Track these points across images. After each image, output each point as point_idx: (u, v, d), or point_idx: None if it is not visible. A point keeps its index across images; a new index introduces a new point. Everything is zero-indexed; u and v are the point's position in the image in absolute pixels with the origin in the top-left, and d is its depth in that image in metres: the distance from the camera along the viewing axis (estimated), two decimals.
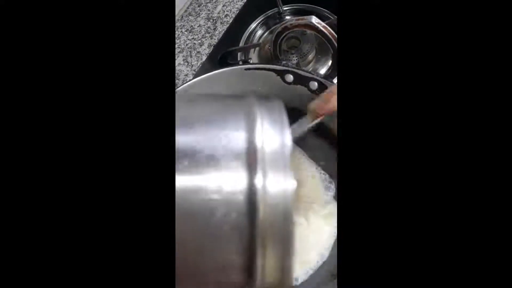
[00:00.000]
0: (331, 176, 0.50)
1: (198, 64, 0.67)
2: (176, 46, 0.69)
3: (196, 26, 0.72)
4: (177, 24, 0.72)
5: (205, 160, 0.26)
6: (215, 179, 0.25)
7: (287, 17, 0.68)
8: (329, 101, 0.39)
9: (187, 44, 0.70)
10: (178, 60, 0.68)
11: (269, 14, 0.69)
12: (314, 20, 0.53)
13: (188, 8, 0.74)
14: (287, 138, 0.27)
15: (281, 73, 0.48)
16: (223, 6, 0.73)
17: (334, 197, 0.49)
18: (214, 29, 0.71)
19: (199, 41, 0.70)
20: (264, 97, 0.31)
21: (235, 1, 0.73)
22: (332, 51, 0.55)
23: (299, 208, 0.48)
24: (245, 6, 0.72)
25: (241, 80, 0.48)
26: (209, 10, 0.73)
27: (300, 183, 0.49)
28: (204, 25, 0.72)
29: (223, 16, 0.72)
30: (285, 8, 0.69)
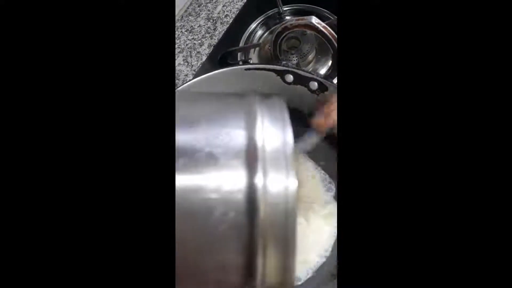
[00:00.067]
0: (331, 176, 0.50)
1: (198, 64, 0.67)
2: (176, 46, 0.69)
3: (196, 26, 0.72)
4: (177, 24, 0.72)
5: (204, 158, 0.25)
6: (214, 177, 0.25)
7: (287, 17, 0.68)
8: (329, 115, 0.40)
9: (187, 44, 0.70)
10: (178, 60, 0.68)
11: (269, 14, 0.69)
12: (314, 20, 0.53)
13: (188, 8, 0.74)
14: (289, 136, 0.27)
15: (281, 73, 0.48)
16: (223, 6, 0.73)
17: (334, 197, 0.49)
18: (214, 29, 0.71)
19: (199, 41, 0.70)
20: (265, 95, 0.31)
21: (235, 1, 0.73)
22: (332, 51, 0.55)
23: (299, 208, 0.48)
24: (245, 6, 0.72)
25: (241, 80, 0.48)
26: (209, 10, 0.73)
27: (300, 183, 0.49)
28: (204, 25, 0.72)
29: (223, 16, 0.72)
30: (285, 8, 0.69)
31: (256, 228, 0.25)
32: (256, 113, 0.28)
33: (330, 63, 0.61)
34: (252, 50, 0.66)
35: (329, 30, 0.52)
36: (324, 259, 0.46)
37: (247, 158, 0.26)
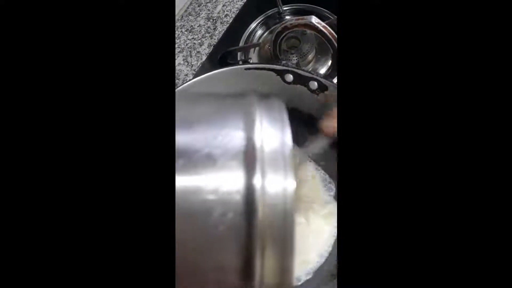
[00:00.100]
0: (331, 176, 0.50)
1: (198, 64, 0.67)
2: (176, 46, 0.69)
3: (196, 26, 0.72)
4: (177, 24, 0.72)
5: (203, 159, 0.25)
6: (213, 178, 0.25)
7: (287, 17, 0.68)
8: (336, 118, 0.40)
9: (187, 44, 0.70)
10: (178, 60, 0.68)
11: (269, 14, 0.69)
12: (314, 20, 0.53)
13: (188, 8, 0.74)
14: (287, 137, 0.27)
15: (281, 73, 0.48)
16: (223, 6, 0.73)
17: (334, 197, 0.49)
18: (214, 29, 0.71)
19: (199, 41, 0.70)
20: (264, 96, 0.31)
21: (235, 1, 0.73)
22: (332, 51, 0.55)
23: (300, 208, 0.48)
24: (245, 6, 0.72)
25: (241, 79, 0.47)
26: (209, 10, 0.73)
27: (300, 183, 0.49)
28: (204, 25, 0.72)
29: (223, 16, 0.72)
30: (285, 8, 0.69)
31: (255, 229, 0.25)
32: (254, 114, 0.28)
33: (330, 62, 0.61)
34: (252, 49, 0.66)
35: (329, 29, 0.52)
36: (324, 259, 0.46)
37: (246, 159, 0.26)
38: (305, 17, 0.53)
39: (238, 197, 0.25)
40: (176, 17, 0.73)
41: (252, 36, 0.68)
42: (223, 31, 0.70)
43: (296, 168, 0.50)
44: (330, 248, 0.47)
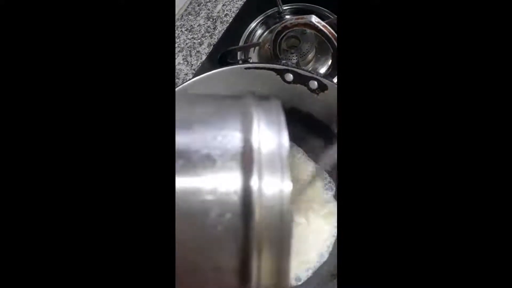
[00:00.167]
0: (331, 176, 0.50)
1: (198, 64, 0.67)
2: (176, 45, 0.69)
3: (196, 26, 0.72)
4: (177, 23, 0.72)
5: (201, 160, 0.26)
6: (210, 179, 0.25)
7: (287, 17, 0.68)
8: None
9: (186, 44, 0.70)
10: (178, 59, 0.68)
11: (269, 13, 0.69)
12: (314, 19, 0.52)
13: (188, 7, 0.74)
14: (285, 139, 0.27)
15: (281, 72, 0.47)
16: (223, 5, 0.73)
17: (334, 197, 0.49)
18: (214, 28, 0.70)
19: (199, 40, 0.70)
20: (262, 98, 0.31)
21: (235, 1, 0.73)
22: (332, 51, 0.55)
23: (300, 208, 0.48)
24: (245, 6, 0.72)
25: (240, 79, 0.47)
26: (209, 9, 0.73)
27: (300, 183, 0.49)
28: (204, 24, 0.71)
29: (223, 15, 0.72)
30: (285, 8, 0.69)
31: (252, 231, 0.25)
32: (252, 115, 0.28)
33: (330, 62, 0.61)
34: (252, 49, 0.66)
35: (329, 29, 0.52)
36: (324, 259, 0.46)
37: (243, 161, 0.26)
38: (305, 16, 0.53)
39: (236, 198, 0.25)
40: (176, 17, 0.72)
41: (252, 35, 0.68)
42: (223, 31, 0.70)
43: (296, 168, 0.50)
44: (330, 248, 0.47)
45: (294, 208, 0.25)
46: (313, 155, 0.51)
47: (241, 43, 0.67)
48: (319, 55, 0.62)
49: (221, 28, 0.70)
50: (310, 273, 0.45)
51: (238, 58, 0.65)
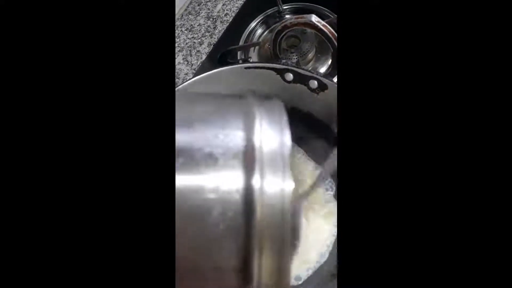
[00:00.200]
0: (331, 176, 0.50)
1: (198, 63, 0.67)
2: (176, 45, 0.69)
3: (196, 25, 0.72)
4: (177, 23, 0.72)
5: (203, 159, 0.26)
6: (212, 178, 0.25)
7: (287, 16, 0.68)
8: None
9: (187, 43, 0.70)
10: (178, 59, 0.68)
11: (269, 13, 0.69)
12: (314, 18, 0.52)
13: (188, 7, 0.74)
14: (287, 138, 0.27)
15: (281, 72, 0.47)
16: (223, 5, 0.73)
17: (334, 196, 0.49)
18: (214, 28, 0.70)
19: (199, 40, 0.70)
20: (264, 97, 0.31)
21: (235, 0, 0.73)
22: (332, 50, 0.55)
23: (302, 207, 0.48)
24: (245, 5, 0.72)
25: (240, 79, 0.47)
26: (209, 9, 0.73)
27: (300, 183, 0.49)
28: (204, 24, 0.71)
29: (223, 15, 0.72)
30: (285, 7, 0.69)
31: (253, 229, 0.25)
32: (254, 114, 0.28)
33: (330, 61, 0.61)
34: (252, 48, 0.66)
35: (329, 28, 0.52)
36: (324, 259, 0.46)
37: (245, 159, 0.26)
38: (305, 15, 0.53)
39: (238, 197, 0.25)
40: (176, 16, 0.72)
41: (252, 35, 0.68)
42: (223, 30, 0.70)
43: (296, 168, 0.50)
44: (330, 248, 0.47)
45: (301, 208, 0.25)
46: (313, 154, 0.51)
47: (241, 43, 0.67)
48: (319, 55, 0.62)
49: (221, 28, 0.70)
50: (310, 272, 0.45)
51: (238, 58, 0.65)
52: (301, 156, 0.51)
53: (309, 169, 0.50)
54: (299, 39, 0.62)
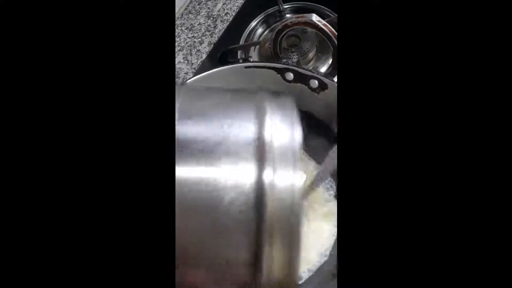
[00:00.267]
0: (331, 175, 0.50)
1: (198, 62, 0.67)
2: (176, 44, 0.69)
3: (196, 24, 0.71)
4: (177, 22, 0.72)
5: (214, 151, 0.26)
6: (224, 171, 0.26)
7: (288, 15, 0.68)
8: None
9: (187, 42, 0.69)
10: (178, 58, 0.68)
11: (270, 12, 0.69)
12: (315, 18, 0.52)
13: (188, 6, 0.74)
14: (297, 133, 0.28)
15: (281, 71, 0.47)
16: (223, 4, 0.73)
17: (334, 196, 0.49)
18: (214, 27, 0.70)
19: (199, 39, 0.69)
20: (275, 93, 0.31)
21: None
22: (332, 49, 0.55)
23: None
24: (245, 4, 0.72)
25: (241, 78, 0.47)
26: (209, 8, 0.73)
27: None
28: (204, 23, 0.71)
29: (223, 14, 0.72)
30: (285, 6, 0.69)
31: (264, 223, 0.25)
32: (266, 109, 0.29)
33: (330, 61, 0.61)
34: (252, 48, 0.66)
35: (329, 28, 0.52)
36: (324, 259, 0.46)
37: (257, 153, 0.26)
38: (305, 15, 0.53)
39: (249, 190, 0.25)
40: (176, 16, 0.72)
41: (252, 34, 0.68)
42: (223, 29, 0.70)
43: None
44: (330, 248, 0.46)
45: (304, 203, 0.26)
46: (314, 154, 0.51)
47: (241, 42, 0.67)
48: (319, 54, 0.62)
49: (221, 27, 0.70)
50: (310, 272, 0.45)
51: (239, 57, 0.65)
52: (301, 155, 0.51)
53: (309, 169, 0.50)
54: (299, 38, 0.62)
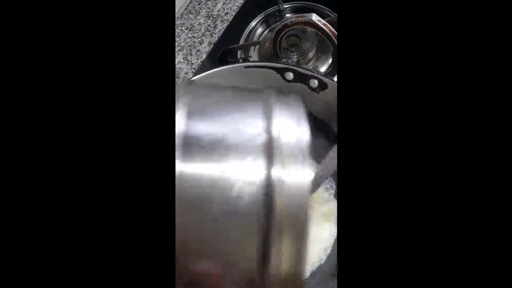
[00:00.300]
0: (331, 175, 0.50)
1: (198, 62, 0.67)
2: (176, 44, 0.69)
3: (196, 24, 0.71)
4: (177, 22, 0.72)
5: (223, 148, 0.26)
6: (232, 167, 0.26)
7: (287, 15, 0.68)
8: None
9: (187, 42, 0.69)
10: (178, 58, 0.68)
11: (269, 12, 0.69)
12: (315, 17, 0.52)
13: (188, 6, 0.74)
14: (305, 130, 0.28)
15: (281, 71, 0.47)
16: (223, 4, 0.73)
17: (334, 196, 0.49)
18: (214, 27, 0.70)
19: (199, 39, 0.69)
20: (282, 91, 0.32)
21: None
22: (332, 49, 0.55)
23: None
24: (245, 4, 0.72)
25: (241, 78, 0.47)
26: (209, 8, 0.73)
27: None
28: (204, 23, 0.71)
29: (223, 14, 0.72)
30: (285, 6, 0.69)
31: (273, 220, 0.25)
32: (273, 106, 0.29)
33: (330, 60, 0.61)
34: (252, 48, 0.66)
35: (329, 27, 0.52)
36: (324, 258, 0.46)
37: (265, 150, 0.26)
38: (305, 14, 0.53)
39: (258, 187, 0.26)
40: (176, 15, 0.72)
41: (252, 34, 0.68)
42: (223, 29, 0.70)
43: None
44: (330, 247, 0.46)
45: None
46: (313, 154, 0.51)
47: (241, 42, 0.67)
48: (319, 54, 0.62)
49: (221, 27, 0.70)
50: (310, 272, 0.45)
51: (239, 57, 0.65)
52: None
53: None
54: (299, 38, 0.62)
